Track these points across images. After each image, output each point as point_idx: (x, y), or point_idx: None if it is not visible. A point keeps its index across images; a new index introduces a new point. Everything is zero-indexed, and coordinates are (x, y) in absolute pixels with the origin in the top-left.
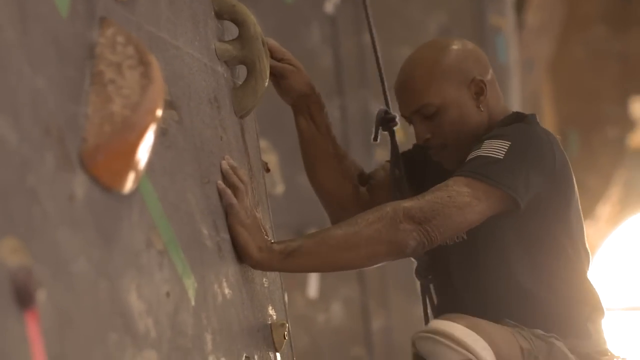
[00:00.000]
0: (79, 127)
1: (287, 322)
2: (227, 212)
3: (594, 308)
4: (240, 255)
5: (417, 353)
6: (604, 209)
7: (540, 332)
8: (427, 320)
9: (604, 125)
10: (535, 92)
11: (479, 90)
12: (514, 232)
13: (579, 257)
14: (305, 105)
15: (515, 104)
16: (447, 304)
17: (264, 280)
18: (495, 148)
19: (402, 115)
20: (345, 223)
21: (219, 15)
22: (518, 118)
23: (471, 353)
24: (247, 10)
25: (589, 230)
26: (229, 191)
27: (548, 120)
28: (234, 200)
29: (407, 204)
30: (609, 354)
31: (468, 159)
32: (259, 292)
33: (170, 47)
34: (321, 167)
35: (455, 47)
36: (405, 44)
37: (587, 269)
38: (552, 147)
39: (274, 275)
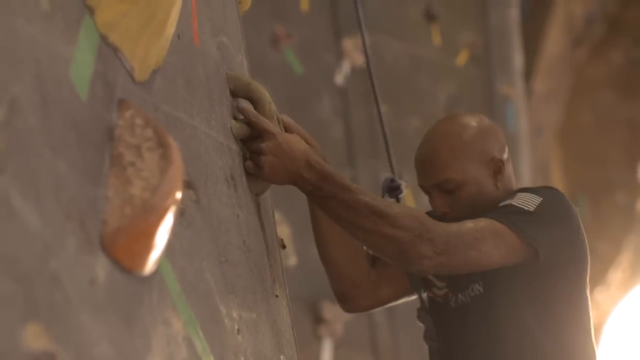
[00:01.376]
0: (100, 210)
1: None
2: (265, 135)
3: None
4: (283, 161)
5: None
6: (615, 275)
7: None
8: None
9: (613, 191)
10: (545, 158)
11: (497, 169)
12: (531, 287)
13: (589, 319)
14: None
15: (526, 171)
16: None
17: (282, 357)
18: (527, 200)
19: (420, 186)
20: (383, 204)
21: (234, 94)
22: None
23: None
24: (262, 88)
25: (601, 296)
26: (261, 118)
27: (558, 186)
28: (268, 126)
29: (438, 229)
30: None
31: (500, 205)
32: None
33: (187, 127)
34: (334, 244)
35: (476, 124)
36: (414, 114)
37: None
38: (576, 210)
39: (291, 352)
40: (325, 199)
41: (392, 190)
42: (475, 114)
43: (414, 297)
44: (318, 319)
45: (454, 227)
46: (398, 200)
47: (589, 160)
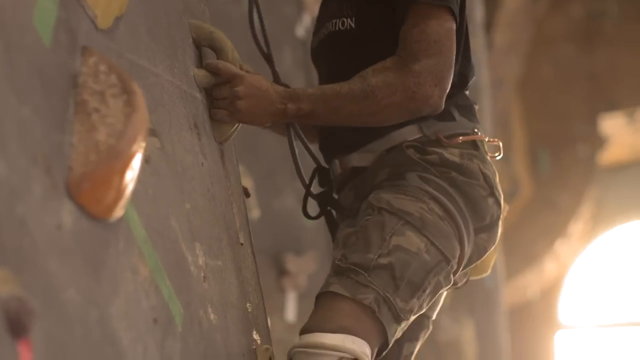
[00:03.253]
0: (65, 157)
1: (271, 346)
2: (236, 80)
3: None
4: (259, 101)
5: None
6: (576, 227)
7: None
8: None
9: (574, 144)
10: (505, 110)
11: None
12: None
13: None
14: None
15: (487, 123)
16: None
17: (248, 305)
18: None
19: None
20: (357, 86)
21: (197, 42)
22: None
23: (344, 352)
24: (224, 36)
25: (562, 248)
26: (228, 64)
27: (518, 139)
28: (237, 70)
29: (411, 71)
30: (474, 132)
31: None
32: (243, 317)
33: (150, 75)
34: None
35: None
36: None
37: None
38: None
39: (257, 300)
40: (310, 117)
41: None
42: None
43: None
44: (282, 272)
45: (412, 55)
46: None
47: (550, 113)
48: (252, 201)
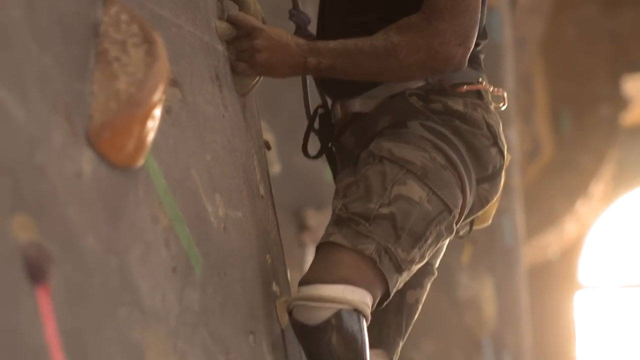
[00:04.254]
0: (85, 105)
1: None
2: (255, 33)
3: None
4: (279, 54)
5: (294, 319)
6: (597, 188)
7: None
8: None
9: (596, 104)
10: (528, 70)
11: None
12: None
13: None
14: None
15: (509, 83)
16: None
17: (268, 257)
18: None
19: None
20: (379, 42)
21: None
22: None
23: (343, 303)
24: None
25: (583, 209)
26: (248, 17)
27: (540, 100)
28: (257, 23)
29: (437, 29)
30: (479, 82)
31: None
32: (262, 269)
33: (172, 26)
34: None
35: None
36: None
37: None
38: None
39: (277, 252)
40: (330, 71)
41: (300, 24)
42: None
43: None
44: (302, 227)
45: (438, 12)
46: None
47: (572, 74)
48: (273, 156)
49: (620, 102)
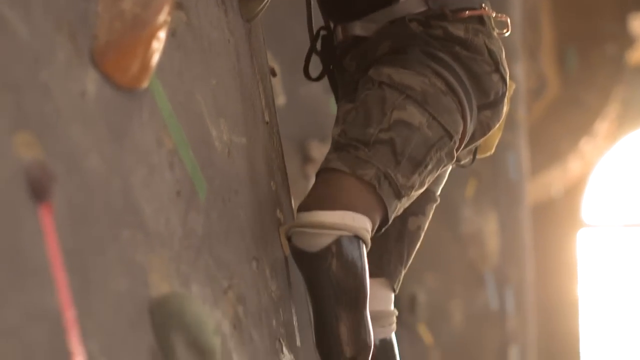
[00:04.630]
0: (90, 25)
1: None
2: None
3: None
4: None
5: (294, 245)
6: (602, 126)
7: None
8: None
9: (602, 42)
10: (535, 8)
11: None
12: None
13: None
14: None
15: (516, 20)
16: None
17: (272, 183)
18: None
19: None
20: None
21: None
22: None
23: (343, 230)
24: None
25: (587, 147)
26: None
27: (547, 37)
28: None
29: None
30: (481, 7)
31: None
32: (267, 196)
33: None
34: None
35: None
36: None
37: None
38: None
39: (281, 179)
40: None
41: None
42: None
43: None
44: (306, 159)
45: None
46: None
47: (579, 11)
48: (277, 88)
49: (627, 41)
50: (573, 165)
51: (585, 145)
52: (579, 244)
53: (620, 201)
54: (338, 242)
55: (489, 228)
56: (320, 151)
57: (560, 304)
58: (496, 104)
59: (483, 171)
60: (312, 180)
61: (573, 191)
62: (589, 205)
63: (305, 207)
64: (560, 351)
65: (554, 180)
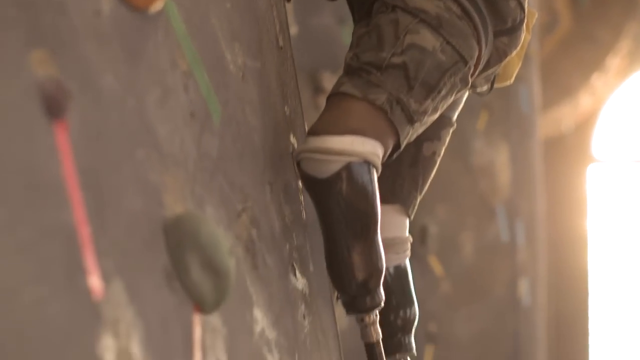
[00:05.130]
0: None
1: None
2: None
3: None
4: None
5: (303, 171)
6: (614, 62)
7: None
8: None
9: None
10: None
11: None
12: None
13: None
14: None
15: None
16: None
17: (286, 108)
18: None
19: None
20: None
21: None
22: None
23: (353, 156)
24: None
25: (598, 82)
26: None
27: None
28: None
29: None
30: None
31: None
32: (281, 120)
33: None
34: None
35: None
36: None
37: None
38: None
39: (295, 104)
40: None
41: None
42: None
43: None
44: (318, 89)
45: None
46: None
47: None
48: (289, 18)
49: None
50: (584, 101)
51: (597, 80)
52: (588, 179)
53: (630, 137)
54: (348, 168)
55: (501, 160)
56: (332, 82)
57: (569, 238)
58: (514, 30)
59: (495, 103)
60: None
61: (583, 127)
62: (599, 140)
63: (314, 131)
64: (569, 285)
65: (565, 115)
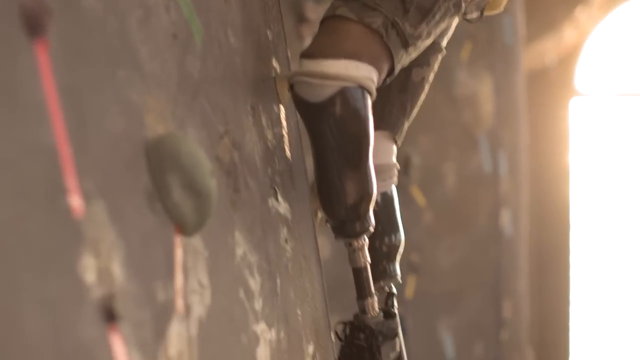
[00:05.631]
0: None
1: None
2: None
3: None
4: None
5: (296, 94)
6: None
7: None
8: None
9: None
10: None
11: None
12: None
13: None
14: None
15: None
16: None
17: (268, 32)
18: None
19: None
20: None
21: None
22: None
23: (347, 80)
24: None
25: (582, 15)
26: None
27: None
28: None
29: None
30: None
31: None
32: (263, 44)
33: None
34: None
35: None
36: None
37: None
38: None
39: (278, 28)
40: None
41: None
42: None
43: None
44: (301, 18)
45: None
46: None
47: None
48: None
49: None
50: (568, 34)
51: (580, 13)
52: (571, 112)
53: (613, 71)
54: (342, 92)
55: (484, 91)
56: (315, 12)
57: (552, 170)
58: None
59: (478, 34)
60: (307, 41)
61: (567, 60)
62: (583, 74)
63: (308, 54)
64: (551, 216)
65: (548, 49)
